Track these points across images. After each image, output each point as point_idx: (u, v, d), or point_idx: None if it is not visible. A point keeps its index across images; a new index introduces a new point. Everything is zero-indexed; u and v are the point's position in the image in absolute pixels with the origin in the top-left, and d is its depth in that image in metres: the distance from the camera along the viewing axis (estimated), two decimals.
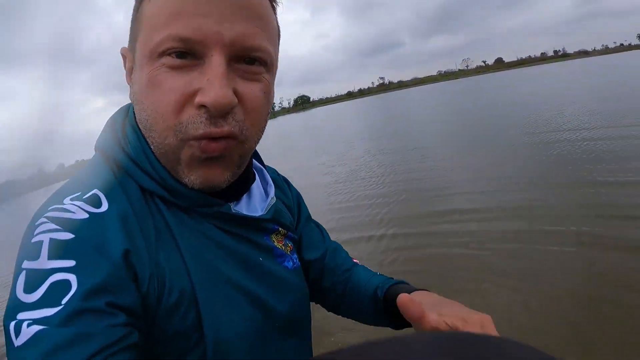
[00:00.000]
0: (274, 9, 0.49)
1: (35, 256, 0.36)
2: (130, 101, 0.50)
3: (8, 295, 0.37)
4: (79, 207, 0.41)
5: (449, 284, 2.78)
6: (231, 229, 0.51)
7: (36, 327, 0.33)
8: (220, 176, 0.46)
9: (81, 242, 0.38)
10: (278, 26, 0.51)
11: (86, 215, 0.40)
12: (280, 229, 0.59)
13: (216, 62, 0.42)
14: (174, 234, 0.46)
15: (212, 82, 0.42)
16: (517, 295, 2.50)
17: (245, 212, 0.53)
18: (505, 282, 2.66)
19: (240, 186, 0.54)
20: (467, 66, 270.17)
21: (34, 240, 0.38)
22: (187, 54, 0.43)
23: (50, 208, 0.41)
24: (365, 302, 0.64)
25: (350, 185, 6.28)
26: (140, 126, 0.48)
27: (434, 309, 0.47)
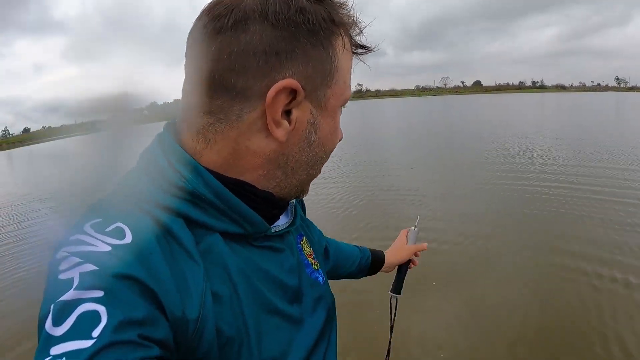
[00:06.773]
0: None
1: (63, 288, 0.35)
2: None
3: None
4: (101, 240, 0.39)
5: None
6: (274, 244, 0.53)
7: None
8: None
9: (106, 274, 0.36)
10: None
11: (108, 248, 0.38)
12: (305, 236, 0.63)
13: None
14: (228, 265, 0.46)
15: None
16: None
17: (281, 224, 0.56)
18: None
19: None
20: (445, 85, 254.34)
21: (61, 277, 0.36)
22: None
23: (72, 239, 0.39)
24: (355, 266, 0.97)
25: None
26: (298, 164, 0.48)
27: (402, 249, 1.04)
